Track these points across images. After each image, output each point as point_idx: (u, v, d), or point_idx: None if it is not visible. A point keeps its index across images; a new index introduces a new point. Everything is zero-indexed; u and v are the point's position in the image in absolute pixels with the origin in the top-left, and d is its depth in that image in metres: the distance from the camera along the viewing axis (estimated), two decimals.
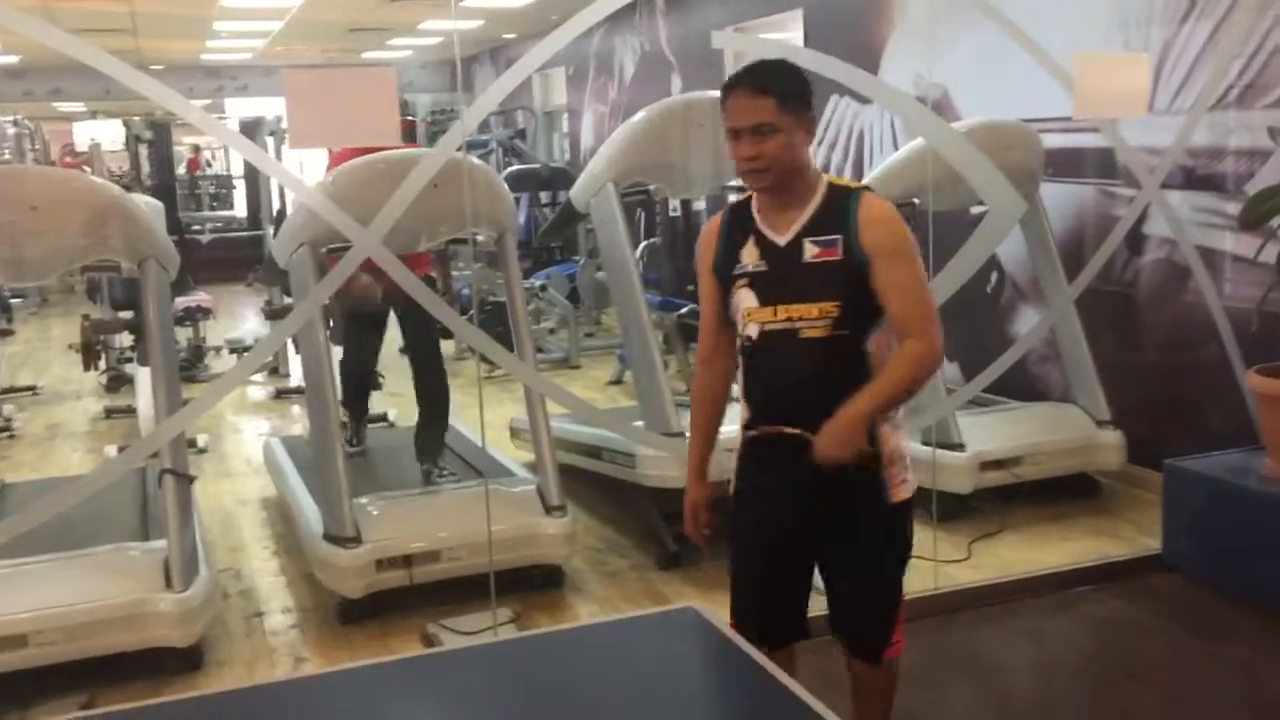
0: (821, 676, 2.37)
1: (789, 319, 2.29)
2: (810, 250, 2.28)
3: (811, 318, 2.27)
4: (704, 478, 2.53)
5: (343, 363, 5.06)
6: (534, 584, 4.12)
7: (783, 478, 2.37)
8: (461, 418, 5.49)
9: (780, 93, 2.25)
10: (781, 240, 2.32)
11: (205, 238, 12.36)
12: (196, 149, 17.84)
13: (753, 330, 2.34)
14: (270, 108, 10.29)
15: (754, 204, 2.38)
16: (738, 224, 2.39)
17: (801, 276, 2.29)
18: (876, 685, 2.55)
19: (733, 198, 4.97)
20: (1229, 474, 4.03)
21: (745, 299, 2.34)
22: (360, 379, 5.17)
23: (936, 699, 3.38)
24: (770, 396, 2.39)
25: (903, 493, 2.40)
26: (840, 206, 2.29)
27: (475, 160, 4.61)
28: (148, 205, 5.60)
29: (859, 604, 2.46)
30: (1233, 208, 4.41)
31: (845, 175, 6.78)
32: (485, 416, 3.87)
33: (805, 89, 2.31)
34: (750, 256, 2.34)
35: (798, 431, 2.28)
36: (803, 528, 2.40)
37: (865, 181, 5.06)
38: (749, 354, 2.39)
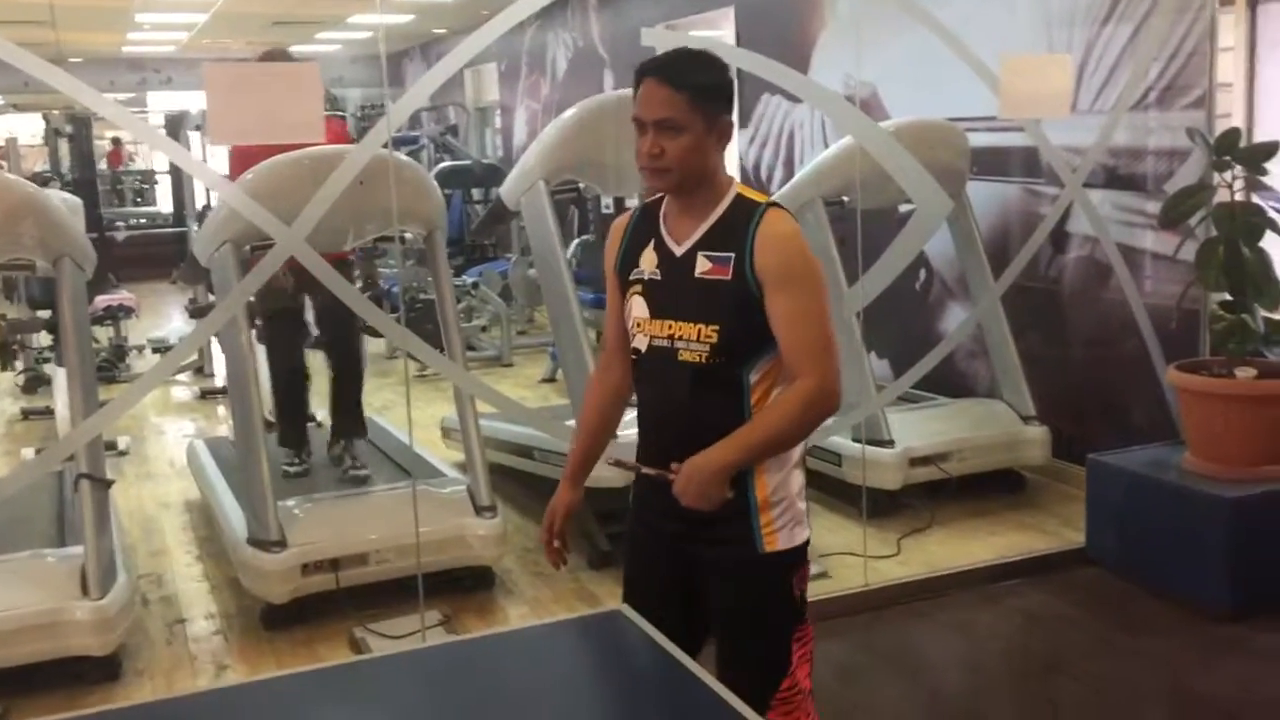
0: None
1: (671, 336, 2.09)
2: (702, 265, 2.07)
3: (690, 338, 2.06)
4: (575, 485, 2.32)
5: (270, 365, 4.95)
6: (464, 586, 4.08)
7: (655, 521, 2.18)
8: (390, 417, 5.43)
9: (694, 88, 2.02)
10: (678, 250, 2.11)
11: (121, 235, 12.05)
12: (118, 143, 17.41)
13: (641, 343, 2.15)
14: (195, 102, 10.09)
15: (664, 205, 2.18)
16: (644, 224, 2.19)
17: (689, 292, 2.08)
18: None
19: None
20: (1149, 468, 4.11)
21: (637, 307, 2.15)
22: (289, 379, 5.06)
23: (866, 694, 3.41)
24: (648, 422, 2.19)
25: (779, 541, 2.11)
26: (742, 222, 2.06)
27: (402, 156, 4.55)
28: (64, 202, 5.46)
29: (729, 669, 2.10)
30: (1153, 206, 4.50)
31: (776, 173, 6.84)
32: (416, 416, 3.82)
33: (725, 87, 2.09)
34: (648, 262, 2.14)
35: (654, 473, 2.08)
36: (676, 581, 2.18)
37: (796, 179, 5.12)
38: (635, 369, 2.20)
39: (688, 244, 2.11)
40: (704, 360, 2.06)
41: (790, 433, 2.06)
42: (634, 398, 2.27)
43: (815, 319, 2.05)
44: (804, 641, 2.19)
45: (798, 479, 2.16)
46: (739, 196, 2.12)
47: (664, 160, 2.04)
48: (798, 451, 2.15)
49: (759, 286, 2.03)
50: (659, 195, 2.20)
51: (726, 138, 2.10)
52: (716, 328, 2.05)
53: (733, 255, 2.05)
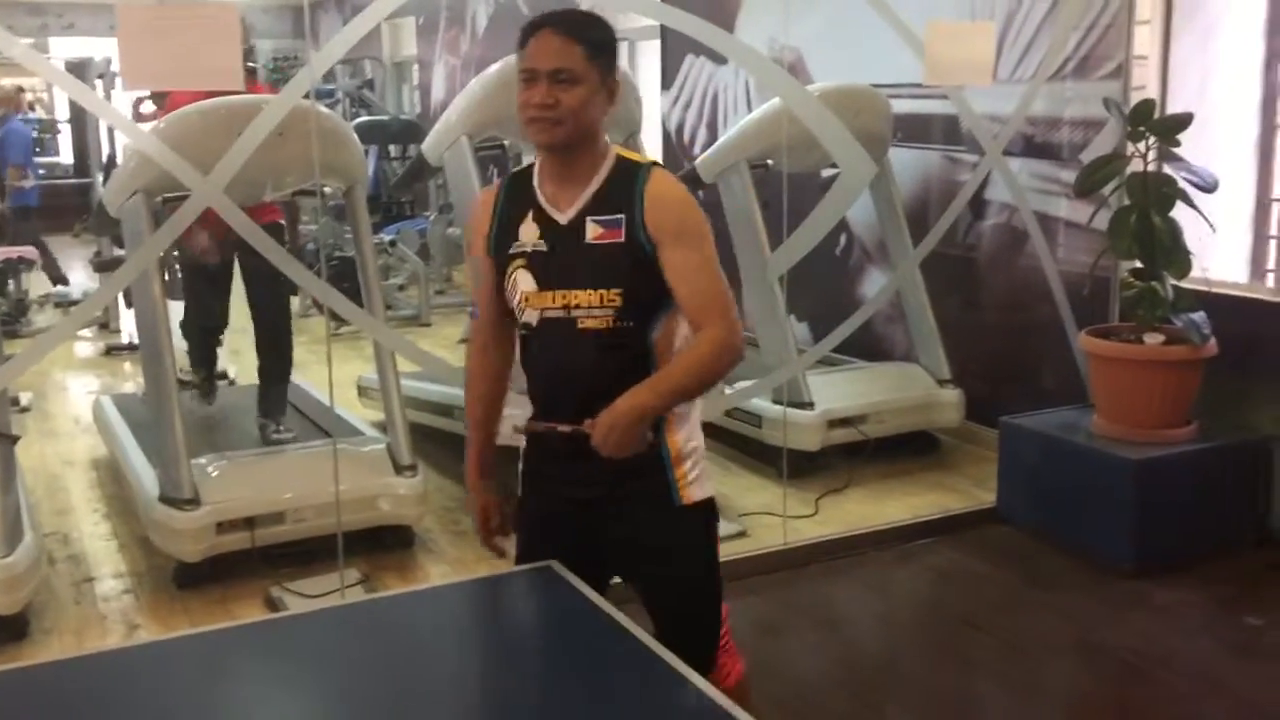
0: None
1: (566, 306, 2.05)
2: (592, 230, 2.04)
3: (592, 305, 2.03)
4: (488, 477, 2.29)
5: (184, 320, 4.84)
6: (384, 545, 4.04)
7: (560, 492, 2.15)
8: (308, 375, 5.33)
9: (592, 42, 2.01)
10: (563, 218, 2.07)
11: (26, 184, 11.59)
12: (19, 90, 16.74)
13: (531, 317, 2.09)
14: (99, 48, 9.73)
15: (535, 175, 2.12)
16: (516, 196, 2.12)
17: (583, 260, 2.04)
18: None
19: None
20: (1059, 430, 4.22)
21: (523, 281, 2.08)
22: (205, 334, 4.95)
23: (785, 649, 3.46)
24: (549, 394, 2.14)
25: (695, 493, 2.14)
26: (627, 183, 2.04)
27: (323, 109, 4.44)
28: None
29: (671, 631, 2.08)
30: (1068, 175, 4.59)
31: (700, 135, 6.83)
32: (334, 375, 3.75)
33: (614, 49, 2.08)
34: (529, 234, 2.08)
35: (569, 429, 2.04)
36: (586, 550, 2.16)
37: (721, 142, 5.12)
38: (526, 344, 2.15)
39: (573, 211, 2.07)
40: (609, 325, 2.04)
41: (702, 378, 2.06)
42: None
43: (712, 270, 2.06)
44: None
45: (699, 433, 2.19)
46: (620, 158, 2.10)
47: (558, 111, 1.99)
48: (699, 405, 2.18)
49: (652, 244, 2.03)
50: (526, 165, 2.16)
51: (613, 99, 2.08)
52: (620, 291, 2.04)
53: (623, 217, 2.04)
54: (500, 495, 2.29)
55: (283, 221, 4.74)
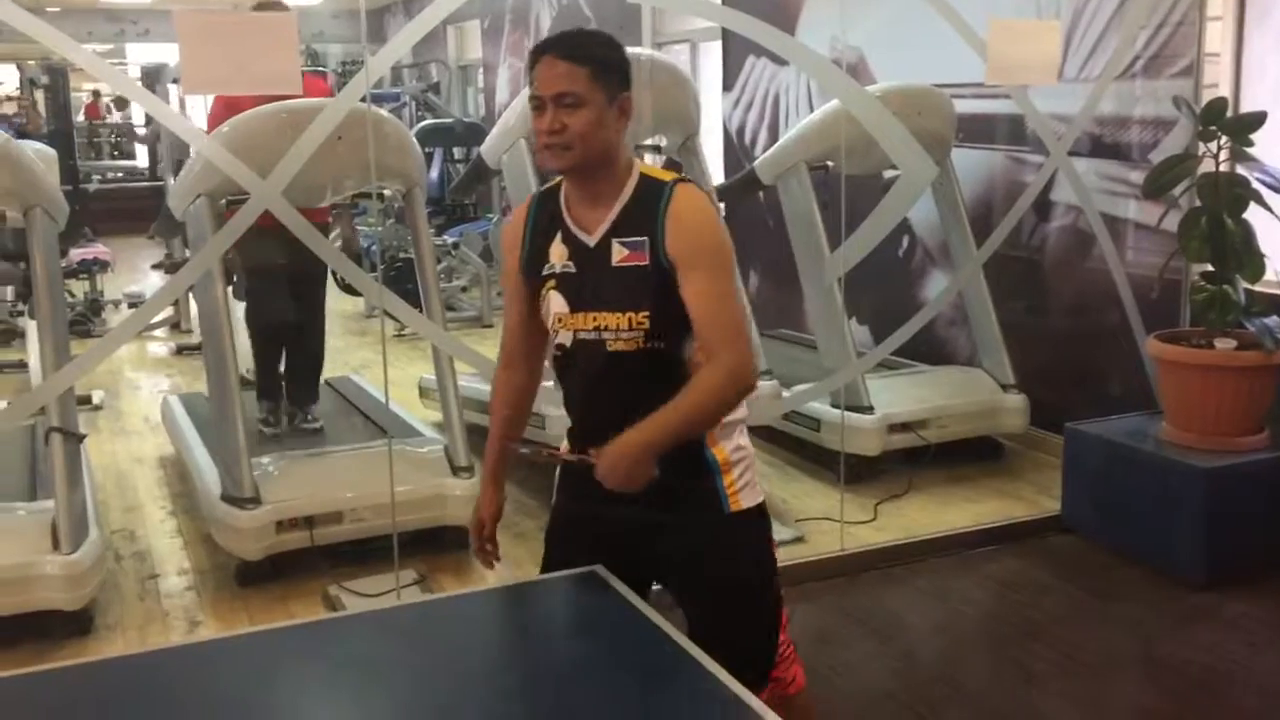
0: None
1: (597, 328, 2.04)
2: (618, 253, 2.02)
3: (620, 328, 2.02)
4: (499, 486, 2.27)
5: (249, 322, 4.86)
6: (440, 546, 4.06)
7: (599, 512, 2.11)
8: (367, 376, 5.39)
9: (595, 62, 1.99)
10: (590, 240, 2.05)
11: (92, 187, 11.93)
12: (96, 95, 17.18)
13: (565, 338, 2.08)
14: (174, 55, 9.93)
15: (562, 194, 2.10)
16: (545, 216, 2.11)
17: (610, 282, 2.02)
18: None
19: (648, 157, 4.93)
20: (1127, 437, 4.12)
21: (555, 303, 2.07)
22: (270, 337, 4.98)
23: (841, 658, 3.42)
24: (584, 414, 2.13)
25: (745, 500, 2.12)
26: (650, 203, 2.02)
27: (381, 112, 4.49)
28: (37, 153, 5.36)
29: (721, 635, 2.04)
30: (1137, 176, 4.48)
31: (761, 137, 6.79)
32: (394, 375, 3.79)
33: (624, 65, 2.05)
34: (559, 255, 2.07)
35: (574, 459, 2.02)
36: (622, 560, 2.14)
37: (781, 143, 5.08)
38: (560, 365, 2.13)
39: (599, 233, 2.05)
40: (638, 347, 2.02)
41: (711, 410, 2.02)
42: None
43: (726, 297, 2.01)
44: (782, 598, 2.22)
45: (746, 439, 2.16)
46: (643, 177, 2.07)
47: (565, 136, 1.97)
48: (744, 411, 2.14)
49: (672, 267, 2.00)
50: (554, 183, 2.14)
51: (627, 115, 2.05)
52: (647, 314, 2.01)
53: (646, 239, 2.01)
54: (499, 513, 2.27)
55: (329, 220, 4.77)
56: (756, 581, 2.17)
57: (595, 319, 2.04)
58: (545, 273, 2.09)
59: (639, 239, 2.01)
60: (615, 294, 2.02)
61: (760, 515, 2.16)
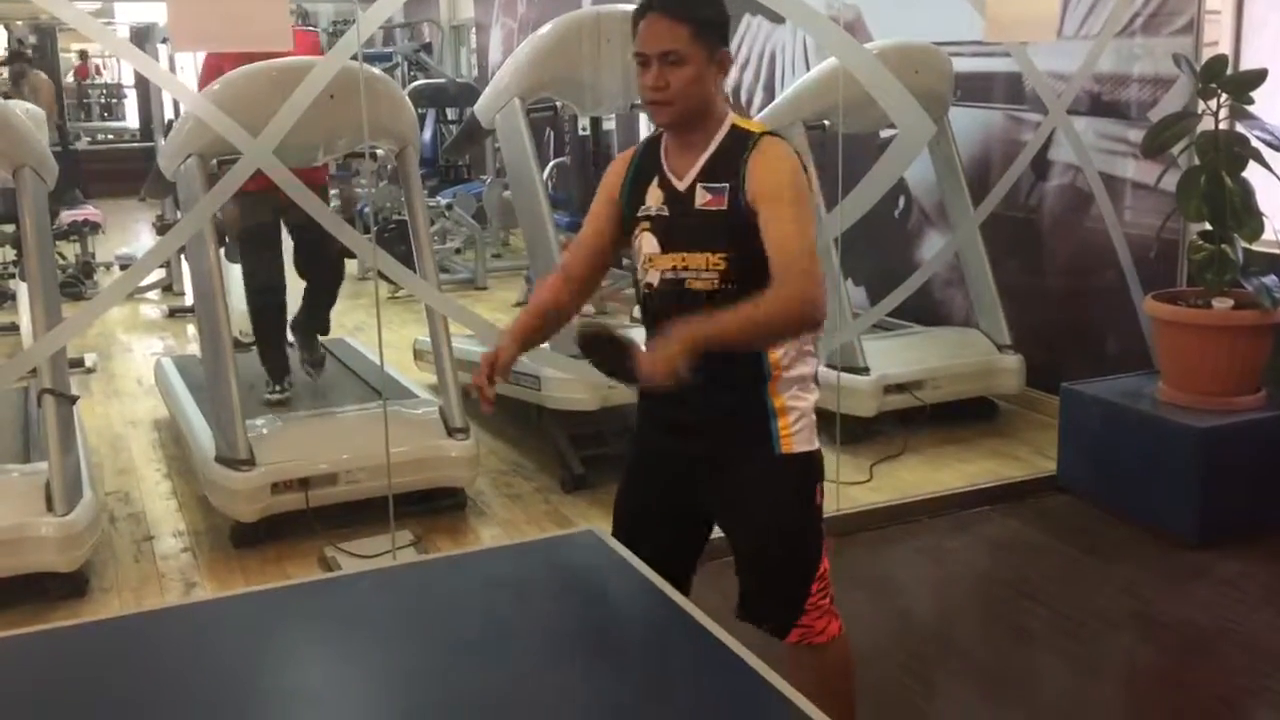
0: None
1: (680, 268, 2.14)
2: (701, 197, 2.13)
3: (700, 268, 2.12)
4: (519, 345, 2.26)
5: (246, 285, 4.79)
6: (436, 507, 4.06)
7: (664, 443, 2.24)
8: (361, 339, 5.37)
9: (697, 21, 2.08)
10: (681, 185, 2.17)
11: (81, 147, 11.84)
12: (84, 55, 17.01)
13: (653, 278, 2.19)
14: (161, 14, 9.80)
15: (663, 142, 2.22)
16: (648, 161, 2.23)
17: (694, 224, 2.14)
18: (801, 666, 2.23)
19: (644, 117, 4.88)
20: (1123, 397, 4.11)
21: (647, 244, 2.19)
22: (266, 299, 4.90)
23: None
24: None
25: (796, 444, 2.19)
26: (737, 152, 2.12)
27: (373, 69, 4.43)
28: (27, 113, 5.31)
29: (754, 575, 2.23)
30: (1136, 134, 4.45)
31: (757, 96, 6.73)
32: (389, 338, 3.77)
33: (724, 21, 2.16)
34: (654, 198, 2.19)
35: (623, 338, 2.07)
36: (683, 493, 2.25)
37: (777, 102, 5.03)
38: (646, 303, 2.23)
39: (689, 178, 2.16)
40: (715, 286, 2.11)
41: (763, 327, 2.04)
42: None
43: (802, 233, 2.07)
44: (825, 553, 2.28)
45: (809, 393, 2.23)
46: (734, 127, 2.16)
47: (667, 93, 2.08)
48: (811, 366, 2.23)
49: (752, 210, 2.08)
50: (658, 132, 2.23)
51: (725, 70, 2.16)
52: (724, 255, 2.11)
53: (727, 185, 2.11)
54: (512, 362, 2.24)
55: (325, 183, 4.73)
56: (794, 526, 2.23)
57: (679, 259, 2.15)
58: (640, 214, 2.20)
59: (721, 185, 2.11)
60: (697, 235, 2.13)
61: (809, 462, 2.23)
